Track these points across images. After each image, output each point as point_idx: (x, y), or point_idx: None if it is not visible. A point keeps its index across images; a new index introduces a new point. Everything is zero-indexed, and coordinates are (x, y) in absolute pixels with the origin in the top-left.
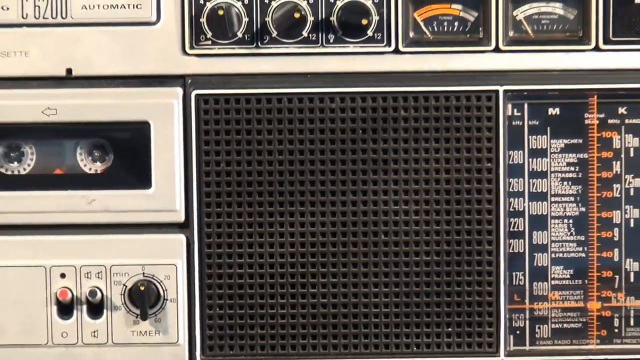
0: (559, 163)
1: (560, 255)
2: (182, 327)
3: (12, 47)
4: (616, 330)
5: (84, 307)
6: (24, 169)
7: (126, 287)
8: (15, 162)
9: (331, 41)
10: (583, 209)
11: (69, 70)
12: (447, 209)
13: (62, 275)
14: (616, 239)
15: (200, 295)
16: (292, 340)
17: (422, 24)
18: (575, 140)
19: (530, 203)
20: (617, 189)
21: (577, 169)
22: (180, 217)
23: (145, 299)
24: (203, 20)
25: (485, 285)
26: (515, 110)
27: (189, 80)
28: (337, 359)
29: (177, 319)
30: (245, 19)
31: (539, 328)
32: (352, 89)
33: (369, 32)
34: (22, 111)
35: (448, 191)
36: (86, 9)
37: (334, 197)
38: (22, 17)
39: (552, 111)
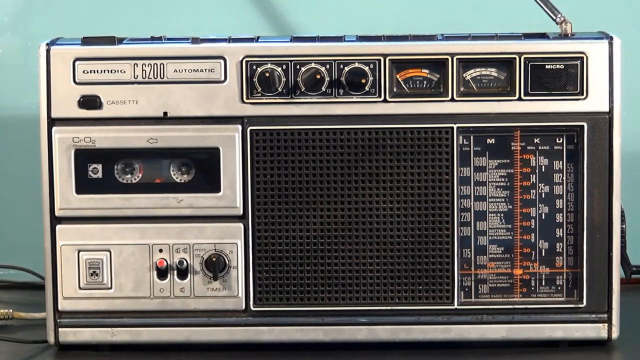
0: (494, 176)
1: (495, 238)
2: (241, 285)
3: (127, 97)
4: (532, 288)
5: (175, 272)
6: (135, 179)
7: (203, 258)
8: (129, 175)
9: (341, 94)
10: (510, 207)
11: (165, 113)
12: (419, 206)
13: (160, 250)
14: (533, 227)
15: (253, 264)
16: (314, 294)
17: (402, 82)
18: (505, 160)
19: (474, 202)
20: (533, 193)
21: (506, 180)
22: (240, 212)
23: (216, 266)
24: (255, 79)
25: (445, 257)
26: (464, 140)
27: (246, 120)
28: (344, 307)
29: (238, 280)
30: (283, 79)
31: (481, 287)
32: (355, 125)
33: (367, 88)
34: (133, 140)
35: (419, 194)
36: (177, 72)
37: (342, 197)
38: (134, 77)
39: (489, 141)
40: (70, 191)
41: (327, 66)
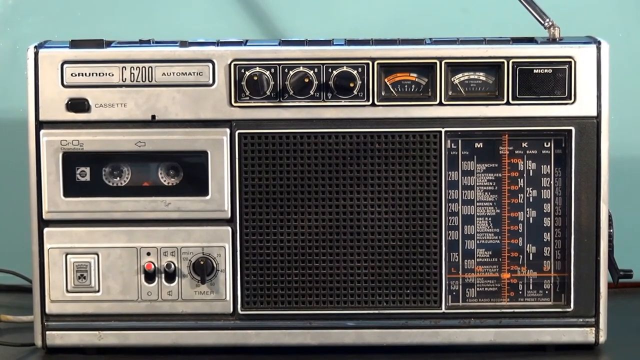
0: (481, 180)
1: (483, 242)
2: (228, 288)
3: (115, 100)
4: (520, 292)
5: (163, 275)
6: (123, 182)
7: (191, 261)
8: (117, 178)
9: (329, 98)
10: (498, 211)
11: (153, 116)
12: (407, 210)
13: (148, 254)
14: (520, 231)
15: (241, 267)
16: (302, 298)
17: (390, 86)
18: (493, 165)
19: (462, 206)
20: (521, 197)
21: (494, 184)
22: (228, 215)
23: (204, 269)
24: (243, 83)
25: (432, 261)
26: (452, 144)
27: (234, 124)
28: (332, 310)
29: (225, 283)
30: (271, 83)
31: (468, 290)
32: (343, 129)
33: (355, 92)
34: (122, 144)
35: (407, 198)
36: (165, 75)
37: (330, 201)
38: (122, 80)
39: (477, 145)
40: (58, 194)
41: (316, 70)
